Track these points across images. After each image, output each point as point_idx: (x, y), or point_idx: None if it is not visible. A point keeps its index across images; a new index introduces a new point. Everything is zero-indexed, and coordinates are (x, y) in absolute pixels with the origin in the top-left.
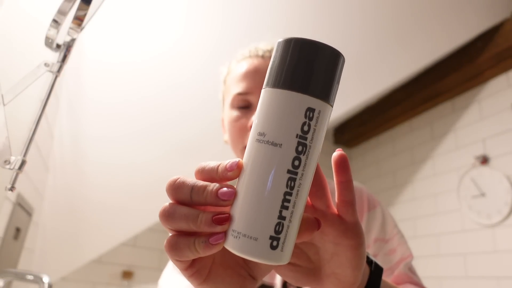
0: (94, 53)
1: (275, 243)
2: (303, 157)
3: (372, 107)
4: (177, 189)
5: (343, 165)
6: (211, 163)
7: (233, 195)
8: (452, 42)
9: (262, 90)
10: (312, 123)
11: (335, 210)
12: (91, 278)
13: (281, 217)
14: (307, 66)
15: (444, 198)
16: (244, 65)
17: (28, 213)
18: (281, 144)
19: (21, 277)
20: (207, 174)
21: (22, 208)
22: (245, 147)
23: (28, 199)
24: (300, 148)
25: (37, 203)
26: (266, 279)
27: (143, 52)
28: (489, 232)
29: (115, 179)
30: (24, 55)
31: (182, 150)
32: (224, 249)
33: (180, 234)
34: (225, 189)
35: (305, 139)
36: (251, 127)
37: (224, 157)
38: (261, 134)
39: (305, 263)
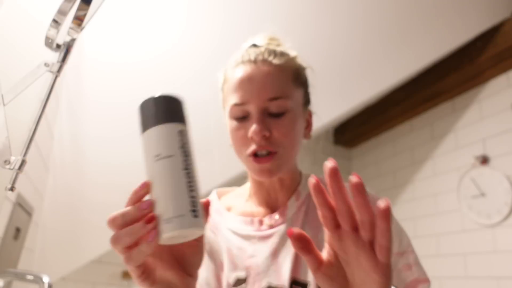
0: (94, 53)
1: (195, 213)
2: (188, 158)
3: (372, 107)
4: (113, 221)
5: (385, 212)
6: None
7: (150, 203)
8: (453, 42)
9: (141, 136)
10: (184, 138)
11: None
12: (91, 278)
13: (192, 196)
14: (164, 108)
15: (444, 198)
16: (237, 73)
17: (28, 213)
18: (173, 155)
19: (21, 277)
20: (128, 204)
21: (22, 208)
22: (249, 155)
23: (28, 199)
24: (184, 153)
25: (37, 203)
26: (273, 281)
27: (144, 52)
28: (489, 232)
29: (115, 179)
30: (24, 55)
31: None
32: (161, 255)
33: (130, 247)
34: (143, 202)
35: (184, 147)
36: (252, 137)
37: (224, 158)
38: (157, 155)
39: (342, 280)
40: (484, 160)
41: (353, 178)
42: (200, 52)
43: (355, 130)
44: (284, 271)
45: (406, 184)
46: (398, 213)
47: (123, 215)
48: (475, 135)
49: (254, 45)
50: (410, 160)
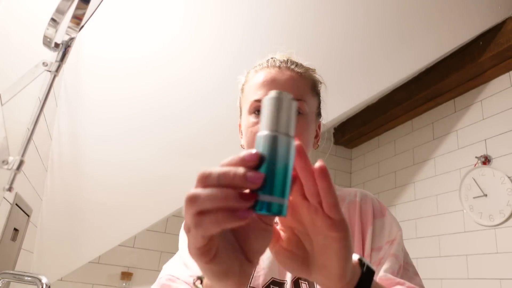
0: (93, 52)
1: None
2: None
3: (373, 107)
4: (206, 178)
5: (323, 174)
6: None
7: (261, 178)
8: (455, 41)
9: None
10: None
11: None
12: (89, 279)
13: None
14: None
15: (446, 198)
16: (262, 75)
17: (26, 213)
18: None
19: (19, 278)
20: (228, 166)
21: (20, 208)
22: None
23: (26, 200)
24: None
25: (35, 203)
26: (276, 276)
27: (141, 51)
28: (491, 233)
29: (113, 179)
30: (22, 54)
31: (180, 149)
32: (224, 236)
33: (204, 213)
34: (252, 173)
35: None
36: None
37: (221, 156)
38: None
39: (302, 252)
40: (486, 161)
41: (318, 164)
42: (198, 49)
43: (355, 130)
44: None
45: (407, 184)
46: (399, 214)
47: (220, 175)
48: (477, 135)
49: (278, 56)
50: (411, 160)
